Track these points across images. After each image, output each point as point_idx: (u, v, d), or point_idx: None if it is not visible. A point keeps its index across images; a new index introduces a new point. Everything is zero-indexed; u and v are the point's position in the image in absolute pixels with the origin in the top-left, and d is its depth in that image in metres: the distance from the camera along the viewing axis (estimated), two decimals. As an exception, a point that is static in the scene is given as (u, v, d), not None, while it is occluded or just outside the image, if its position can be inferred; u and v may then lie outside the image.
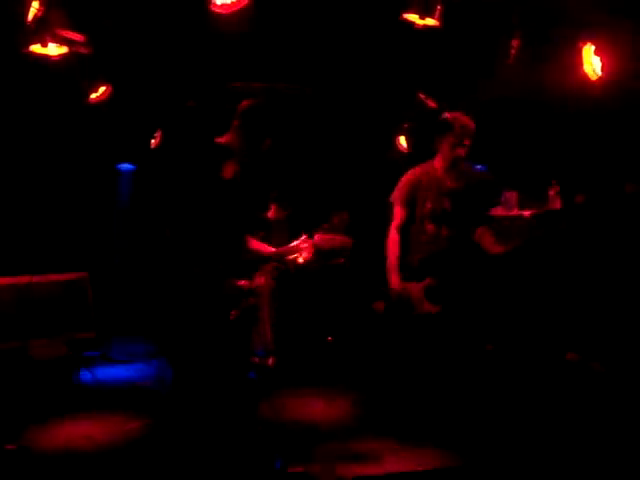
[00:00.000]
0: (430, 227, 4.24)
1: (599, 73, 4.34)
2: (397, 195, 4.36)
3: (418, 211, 4.27)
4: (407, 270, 4.25)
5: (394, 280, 4.24)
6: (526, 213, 5.21)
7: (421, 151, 6.13)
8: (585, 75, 4.39)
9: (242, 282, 5.71)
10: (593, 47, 4.35)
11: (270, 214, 6.21)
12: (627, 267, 4.41)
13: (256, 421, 4.26)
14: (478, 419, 4.13)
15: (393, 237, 4.31)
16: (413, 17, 4.28)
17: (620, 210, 4.52)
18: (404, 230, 4.30)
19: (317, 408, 4.98)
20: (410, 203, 4.29)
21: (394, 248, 4.28)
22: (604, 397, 4.26)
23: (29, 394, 4.91)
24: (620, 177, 4.57)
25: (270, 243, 5.80)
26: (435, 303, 4.14)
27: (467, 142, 4.20)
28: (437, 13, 4.24)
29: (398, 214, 4.33)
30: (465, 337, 4.16)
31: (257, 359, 5.43)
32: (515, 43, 4.56)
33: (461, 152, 4.21)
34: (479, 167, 4.94)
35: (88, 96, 5.32)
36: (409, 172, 4.42)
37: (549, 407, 4.36)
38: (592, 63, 4.38)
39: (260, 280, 5.70)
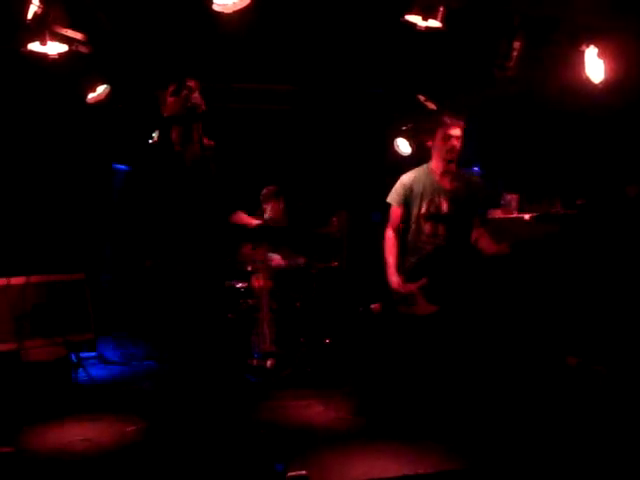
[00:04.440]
0: (427, 228, 4.31)
1: (601, 76, 4.34)
2: (393, 196, 4.45)
3: (415, 213, 4.35)
4: (405, 271, 4.32)
5: (394, 279, 4.30)
6: (526, 216, 5.20)
7: (422, 153, 6.17)
8: (587, 78, 4.38)
9: (240, 284, 5.72)
10: (596, 50, 4.35)
11: (267, 214, 6.19)
12: (628, 270, 4.40)
13: (256, 423, 4.22)
14: (479, 420, 4.12)
15: (390, 237, 4.41)
16: (415, 19, 4.25)
17: (621, 212, 4.51)
18: (401, 232, 4.39)
19: (316, 410, 4.96)
20: (406, 204, 4.39)
21: (392, 248, 4.38)
22: (606, 400, 4.26)
23: (26, 396, 4.87)
24: (622, 179, 4.57)
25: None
26: (432, 302, 4.19)
27: (458, 133, 4.28)
28: (440, 15, 4.21)
29: (394, 215, 4.44)
30: (463, 338, 4.18)
31: (256, 361, 5.43)
32: (517, 45, 4.53)
33: (454, 144, 4.28)
34: (475, 169, 4.97)
35: (86, 95, 5.27)
36: (405, 174, 4.50)
37: (551, 410, 4.36)
38: (594, 66, 4.37)
39: (258, 281, 5.71)
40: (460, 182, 4.37)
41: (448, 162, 4.32)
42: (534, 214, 5.20)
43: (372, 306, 4.65)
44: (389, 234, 4.44)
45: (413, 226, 4.37)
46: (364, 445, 4.16)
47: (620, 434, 3.93)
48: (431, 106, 5.91)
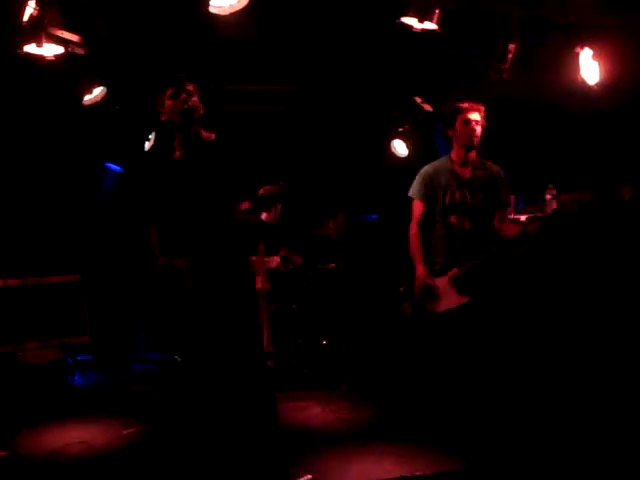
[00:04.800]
0: (452, 220, 4.16)
1: (597, 78, 4.36)
2: (414, 190, 4.30)
3: (439, 205, 4.20)
4: (432, 267, 4.17)
5: (420, 271, 4.15)
6: (522, 217, 5.22)
7: (419, 154, 6.19)
8: (583, 79, 4.40)
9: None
10: (591, 52, 4.37)
11: (263, 216, 6.18)
12: (626, 271, 4.42)
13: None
14: (484, 421, 4.11)
15: (415, 231, 4.25)
16: (411, 21, 4.26)
17: (617, 213, 4.53)
18: (425, 227, 4.24)
19: (314, 411, 4.97)
20: (428, 197, 4.23)
21: (417, 241, 4.22)
22: (606, 399, 4.27)
23: (22, 398, 4.86)
24: (618, 180, 4.58)
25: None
26: (463, 293, 4.05)
27: (478, 117, 4.13)
28: (436, 17, 4.22)
29: (417, 209, 4.28)
30: (490, 332, 4.07)
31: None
32: (512, 47, 4.55)
33: (474, 128, 4.13)
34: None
35: (83, 97, 5.27)
36: (425, 167, 4.36)
37: (551, 409, 4.37)
38: (589, 68, 4.39)
39: (255, 283, 5.70)
40: (482, 171, 4.21)
41: (468, 150, 4.17)
42: (530, 215, 5.22)
43: (402, 307, 4.43)
44: (413, 229, 4.28)
45: (438, 219, 4.21)
46: (363, 446, 4.17)
47: (620, 434, 3.94)
48: (427, 108, 5.92)
